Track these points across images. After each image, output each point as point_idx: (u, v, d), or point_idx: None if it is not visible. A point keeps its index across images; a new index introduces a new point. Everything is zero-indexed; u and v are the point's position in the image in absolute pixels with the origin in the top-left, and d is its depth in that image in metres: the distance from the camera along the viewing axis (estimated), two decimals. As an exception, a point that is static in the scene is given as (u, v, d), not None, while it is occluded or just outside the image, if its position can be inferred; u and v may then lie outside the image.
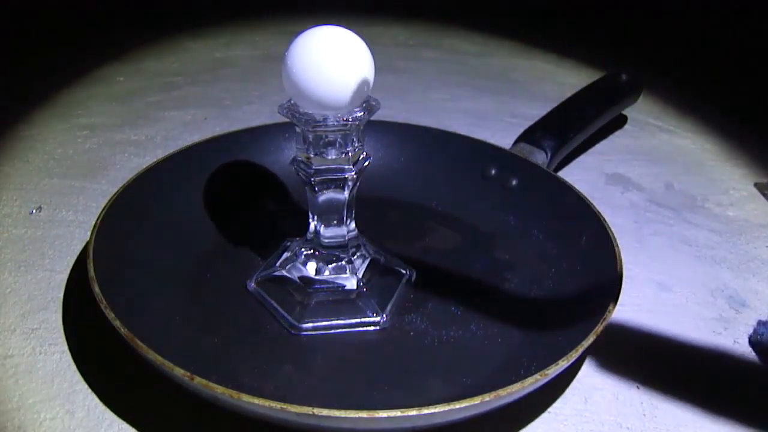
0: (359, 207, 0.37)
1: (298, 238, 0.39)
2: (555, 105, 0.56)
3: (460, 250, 0.43)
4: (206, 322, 0.35)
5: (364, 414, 0.25)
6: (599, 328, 0.30)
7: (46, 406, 0.31)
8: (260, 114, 0.64)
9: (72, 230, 0.44)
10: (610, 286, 0.34)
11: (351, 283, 0.36)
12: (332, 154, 0.33)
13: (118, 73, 0.73)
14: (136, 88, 0.69)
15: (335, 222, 0.36)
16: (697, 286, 0.43)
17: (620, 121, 0.66)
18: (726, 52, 0.92)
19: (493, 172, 0.47)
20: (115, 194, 0.38)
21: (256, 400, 0.25)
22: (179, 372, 0.26)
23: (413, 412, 0.25)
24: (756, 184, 0.51)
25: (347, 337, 0.35)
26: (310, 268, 0.36)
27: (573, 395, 0.33)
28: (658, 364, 0.36)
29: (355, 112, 0.31)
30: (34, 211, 0.46)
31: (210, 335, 0.34)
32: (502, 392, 0.26)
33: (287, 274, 0.37)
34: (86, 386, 0.32)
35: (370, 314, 0.35)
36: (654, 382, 0.35)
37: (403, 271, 0.39)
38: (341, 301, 0.36)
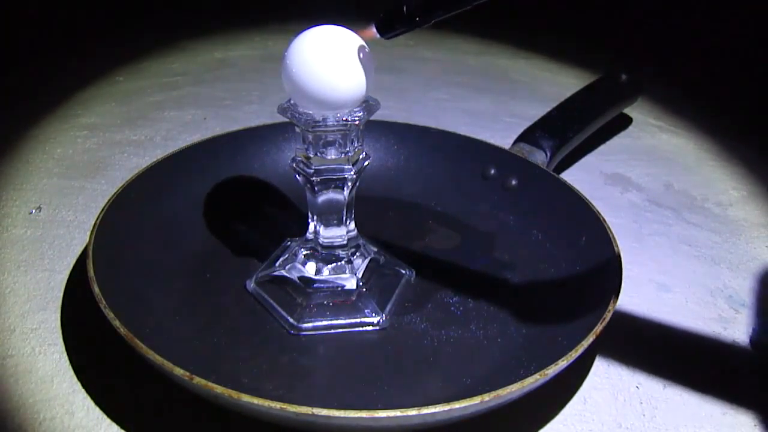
0: (359, 207, 0.37)
1: (297, 238, 0.39)
2: (555, 105, 0.56)
3: (460, 250, 0.43)
4: (206, 322, 0.35)
5: (364, 414, 0.25)
6: (599, 328, 0.30)
7: (45, 406, 0.31)
8: (260, 114, 0.64)
9: (72, 230, 0.44)
10: (609, 286, 0.34)
11: (351, 283, 0.36)
12: (332, 154, 0.33)
13: (118, 73, 0.73)
14: (136, 88, 0.69)
15: (335, 222, 0.36)
16: (697, 286, 0.43)
17: (620, 121, 0.66)
18: (726, 52, 0.92)
19: (492, 172, 0.47)
20: (114, 194, 0.38)
21: (256, 400, 0.25)
22: (179, 372, 0.26)
23: (413, 412, 0.25)
24: None
25: (347, 337, 0.35)
26: (310, 268, 0.36)
27: (573, 395, 0.33)
28: (658, 364, 0.36)
29: (355, 112, 0.31)
30: (34, 211, 0.46)
31: (210, 335, 0.34)
32: (501, 392, 0.26)
33: (287, 274, 0.37)
34: (85, 386, 0.32)
35: (370, 314, 0.35)
36: (654, 382, 0.35)
37: (403, 271, 0.39)
38: (341, 301, 0.36)
